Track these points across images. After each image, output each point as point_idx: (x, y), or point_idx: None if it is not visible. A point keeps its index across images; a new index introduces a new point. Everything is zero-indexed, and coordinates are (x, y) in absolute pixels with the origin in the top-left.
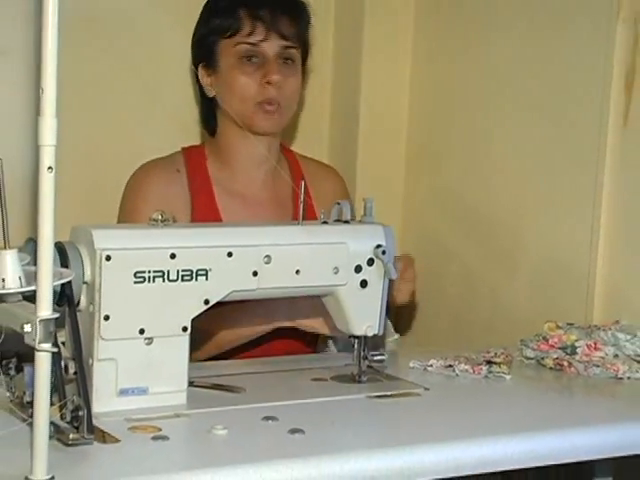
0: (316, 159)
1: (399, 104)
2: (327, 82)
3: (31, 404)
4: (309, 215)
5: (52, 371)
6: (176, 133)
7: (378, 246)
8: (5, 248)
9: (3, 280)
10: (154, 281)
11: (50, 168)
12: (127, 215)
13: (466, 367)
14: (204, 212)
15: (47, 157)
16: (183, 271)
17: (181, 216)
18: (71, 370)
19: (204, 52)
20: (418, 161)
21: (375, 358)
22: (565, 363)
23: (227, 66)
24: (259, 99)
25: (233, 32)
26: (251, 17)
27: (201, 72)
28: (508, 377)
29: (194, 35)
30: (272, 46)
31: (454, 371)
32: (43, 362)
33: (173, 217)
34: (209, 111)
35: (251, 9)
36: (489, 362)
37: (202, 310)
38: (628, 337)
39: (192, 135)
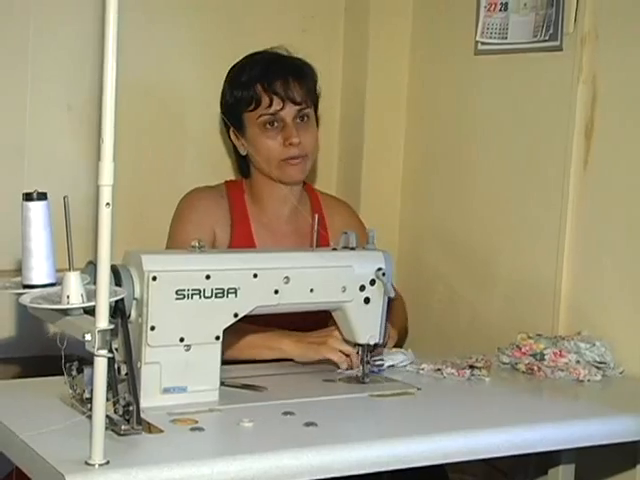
0: (333, 195)
1: (396, 155)
2: (335, 129)
3: (90, 400)
4: (324, 243)
5: (107, 372)
6: (210, 174)
7: (379, 269)
8: (69, 270)
9: (68, 297)
10: (192, 298)
11: (108, 204)
12: (180, 226)
13: (452, 371)
14: (242, 237)
15: (105, 195)
16: (216, 289)
17: (223, 235)
18: (123, 372)
19: (233, 120)
20: (411, 199)
21: (376, 363)
22: (535, 368)
23: (253, 133)
24: (283, 157)
25: (255, 106)
26: (267, 91)
27: (232, 135)
28: (487, 379)
29: (222, 102)
30: (289, 112)
31: (442, 374)
32: (100, 365)
33: (214, 238)
34: (242, 161)
35: (266, 83)
36: (471, 366)
37: (232, 322)
38: (588, 346)
39: (224, 174)
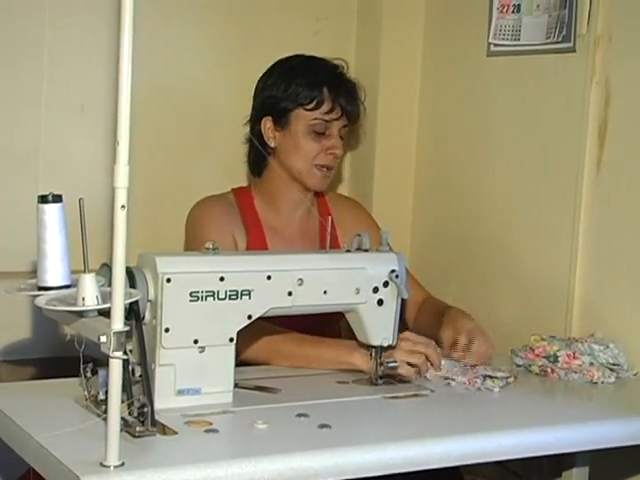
0: (341, 194)
1: (409, 156)
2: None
3: (104, 402)
4: (334, 244)
5: (122, 374)
6: (223, 176)
7: (392, 271)
8: (85, 272)
9: (83, 299)
10: (206, 300)
11: (123, 206)
12: (204, 232)
13: (463, 379)
14: (257, 243)
15: (120, 197)
16: (230, 291)
17: (240, 242)
18: (137, 373)
19: (276, 111)
20: (423, 198)
21: (389, 365)
22: (549, 370)
23: (298, 130)
24: (319, 163)
25: (315, 106)
26: (332, 97)
27: (266, 124)
28: (496, 390)
29: (263, 90)
30: (339, 124)
31: (449, 384)
32: (115, 367)
33: (235, 244)
34: (259, 155)
35: (333, 90)
36: (488, 377)
37: (246, 324)
38: (602, 348)
39: (237, 178)
